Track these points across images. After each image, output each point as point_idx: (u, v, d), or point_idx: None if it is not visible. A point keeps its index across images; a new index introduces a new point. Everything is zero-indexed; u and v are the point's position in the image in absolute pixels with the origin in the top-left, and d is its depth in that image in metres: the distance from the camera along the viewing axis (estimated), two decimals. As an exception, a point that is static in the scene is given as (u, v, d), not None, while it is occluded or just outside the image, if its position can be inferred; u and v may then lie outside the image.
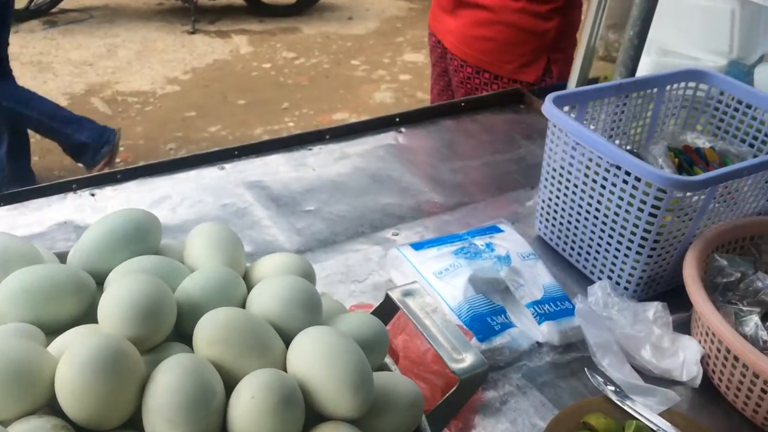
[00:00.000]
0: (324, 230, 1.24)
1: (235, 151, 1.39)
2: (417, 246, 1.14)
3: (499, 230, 1.21)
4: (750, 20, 1.35)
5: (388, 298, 0.73)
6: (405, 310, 0.70)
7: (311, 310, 0.61)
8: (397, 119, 1.60)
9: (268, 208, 1.28)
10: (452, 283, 1.05)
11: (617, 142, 1.37)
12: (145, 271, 0.61)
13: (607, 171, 1.09)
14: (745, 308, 1.02)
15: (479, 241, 1.16)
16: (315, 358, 0.55)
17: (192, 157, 1.36)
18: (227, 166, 1.38)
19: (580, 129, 1.11)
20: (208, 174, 1.35)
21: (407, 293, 0.73)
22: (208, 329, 0.56)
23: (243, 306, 0.63)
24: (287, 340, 0.59)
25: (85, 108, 3.79)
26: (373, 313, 0.73)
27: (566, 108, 1.22)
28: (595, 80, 1.68)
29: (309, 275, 0.68)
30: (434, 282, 1.06)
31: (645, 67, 1.51)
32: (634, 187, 1.05)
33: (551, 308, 1.07)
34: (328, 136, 1.50)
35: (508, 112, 1.71)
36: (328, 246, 1.20)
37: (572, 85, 1.62)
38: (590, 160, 1.11)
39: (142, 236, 0.66)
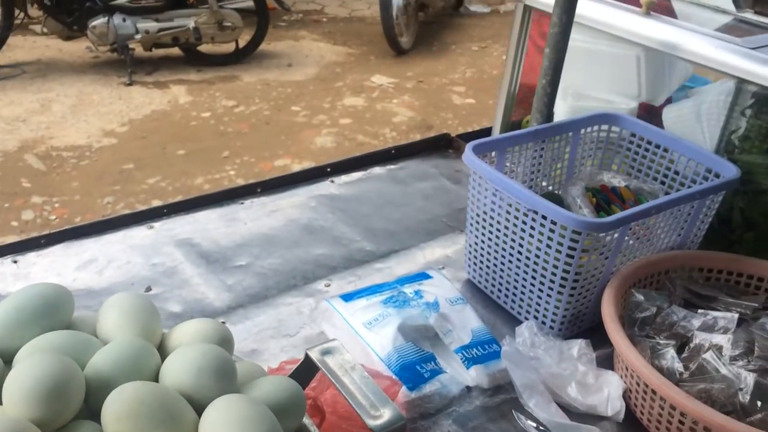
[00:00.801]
0: (255, 285, 1.24)
1: (164, 210, 1.39)
2: (347, 297, 1.15)
3: (427, 277, 1.24)
4: (655, 65, 1.43)
5: (307, 357, 0.74)
6: (324, 369, 0.71)
7: (224, 378, 0.61)
8: (329, 169, 1.63)
9: (198, 265, 1.27)
10: (381, 333, 1.07)
11: (543, 182, 1.42)
12: (55, 348, 0.61)
13: (526, 215, 1.13)
14: (662, 341, 1.06)
15: (408, 289, 1.18)
16: (226, 429, 0.55)
17: (119, 217, 1.35)
18: (156, 224, 1.37)
19: (499, 176, 1.16)
20: (137, 234, 1.34)
21: (326, 351, 0.74)
22: (116, 405, 0.56)
23: (156, 377, 0.63)
24: (200, 409, 0.59)
25: (18, 165, 3.71)
26: (294, 372, 0.73)
27: (487, 155, 1.27)
28: (519, 123, 1.74)
29: (226, 341, 0.69)
30: (364, 333, 1.07)
31: (563, 111, 1.58)
32: (551, 230, 1.09)
33: (479, 352, 1.09)
34: (259, 190, 1.51)
35: (437, 158, 1.76)
36: (260, 301, 1.20)
37: (496, 129, 1.68)
38: (510, 205, 1.15)
39: (51, 311, 0.65)
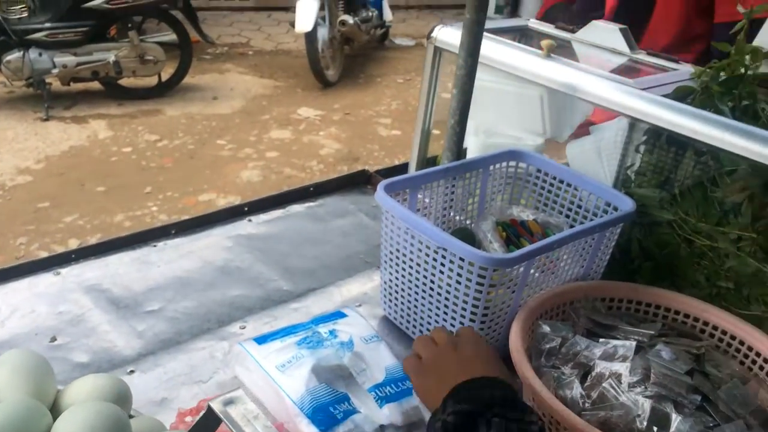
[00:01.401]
0: (167, 330, 1.22)
1: (72, 255, 1.35)
2: (260, 339, 1.14)
3: (343, 315, 1.24)
4: (557, 104, 1.51)
5: (209, 409, 0.73)
6: (226, 421, 0.71)
7: (117, 436, 0.60)
8: (246, 208, 1.62)
9: (107, 312, 1.24)
10: (295, 375, 1.07)
11: (458, 216, 1.46)
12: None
13: (436, 252, 1.16)
14: (567, 371, 1.10)
15: (323, 329, 1.19)
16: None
17: (24, 264, 1.31)
18: (63, 270, 1.33)
19: (409, 215, 1.18)
20: (43, 281, 1.30)
21: (229, 402, 0.74)
22: (-1, 472, 0.54)
23: (47, 438, 0.61)
24: (91, 471, 0.58)
25: (-76, 205, 3.53)
26: (195, 426, 0.73)
27: (400, 193, 1.30)
28: (435, 158, 1.79)
29: (122, 398, 0.68)
30: (277, 376, 1.07)
31: (475, 148, 1.64)
32: (459, 266, 1.12)
33: (393, 389, 1.10)
34: (174, 231, 1.49)
35: (356, 194, 1.78)
36: (172, 347, 1.18)
37: (413, 165, 1.71)
38: (420, 242, 1.18)
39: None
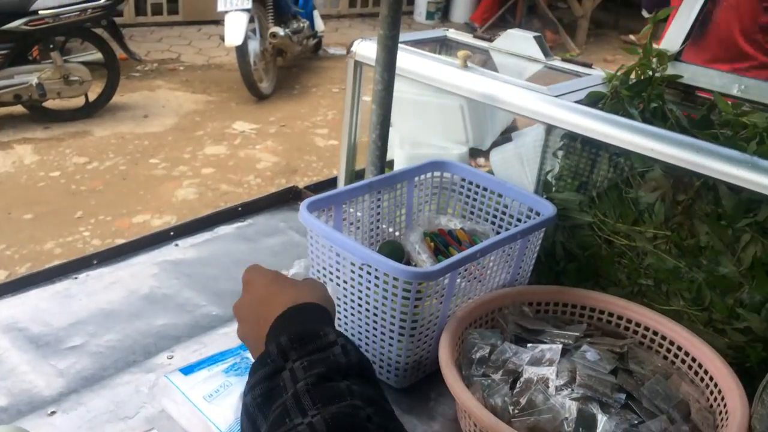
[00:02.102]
0: (90, 366, 1.18)
1: (-14, 293, 1.29)
2: (187, 370, 1.12)
3: None
4: (477, 113, 1.53)
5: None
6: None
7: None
8: (172, 233, 1.59)
9: (25, 351, 1.19)
10: (223, 405, 1.05)
11: (390, 228, 1.46)
12: None
13: (362, 269, 1.16)
14: (497, 379, 1.11)
15: None
16: None
17: (-67, 307, 1.25)
18: (-23, 310, 1.28)
19: (333, 233, 1.18)
20: (-46, 323, 1.24)
21: (142, 442, 0.71)
22: None
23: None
24: None
25: None
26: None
27: (324, 210, 1.29)
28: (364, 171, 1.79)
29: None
30: (204, 407, 1.04)
31: (402, 159, 1.65)
32: (385, 281, 1.12)
33: None
34: (96, 261, 1.45)
35: (286, 211, 1.76)
36: (95, 383, 1.14)
37: (341, 179, 1.71)
38: (345, 260, 1.18)
39: None
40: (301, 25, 5.80)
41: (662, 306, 1.25)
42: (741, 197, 1.12)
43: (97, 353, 1.21)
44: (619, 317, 1.25)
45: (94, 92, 4.97)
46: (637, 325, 1.23)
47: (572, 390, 1.06)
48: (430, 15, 7.84)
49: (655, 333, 1.21)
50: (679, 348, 1.18)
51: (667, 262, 1.22)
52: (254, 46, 5.39)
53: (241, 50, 5.14)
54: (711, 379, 1.11)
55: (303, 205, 1.23)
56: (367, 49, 1.52)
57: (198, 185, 4.30)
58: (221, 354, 1.16)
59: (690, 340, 1.16)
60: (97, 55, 4.84)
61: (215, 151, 4.77)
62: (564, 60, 1.55)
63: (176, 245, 1.57)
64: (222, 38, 5.19)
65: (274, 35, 5.34)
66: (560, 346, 1.14)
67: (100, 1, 4.56)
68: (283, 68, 6.20)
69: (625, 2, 7.97)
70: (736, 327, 1.17)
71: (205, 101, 5.62)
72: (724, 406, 1.06)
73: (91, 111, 4.99)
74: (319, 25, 6.28)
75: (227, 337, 1.30)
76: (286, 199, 1.80)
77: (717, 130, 1.22)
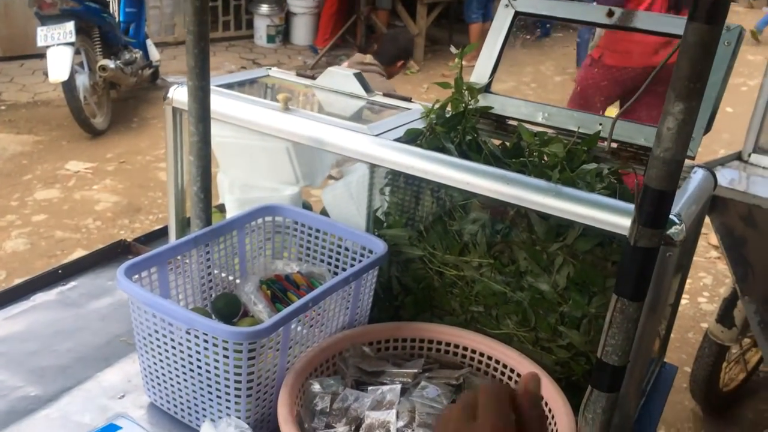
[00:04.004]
0: None
1: None
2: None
3: (116, 428, 1.13)
4: (304, 153, 1.52)
5: None
6: None
7: None
8: (-20, 307, 1.44)
9: None
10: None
11: (231, 277, 1.41)
12: None
13: (189, 333, 1.10)
14: (340, 429, 1.10)
15: None
16: None
17: None
18: None
19: (153, 299, 1.11)
20: None
21: None
22: None
23: None
24: None
25: None
26: None
27: (148, 271, 1.22)
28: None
29: None
30: None
31: (233, 205, 1.60)
32: (214, 344, 1.08)
33: None
34: None
35: (114, 268, 1.64)
36: None
37: (172, 231, 1.63)
38: (170, 324, 1.12)
39: None
40: (134, 55, 5.54)
41: (494, 330, 1.30)
42: (550, 223, 1.19)
43: None
44: (456, 346, 1.28)
45: None
46: (473, 351, 1.27)
47: (413, 430, 1.07)
48: (270, 38, 7.78)
49: (489, 357, 1.26)
50: (512, 370, 1.23)
51: (494, 288, 1.27)
52: (83, 80, 5.08)
53: (69, 85, 4.82)
54: (542, 398, 1.16)
55: (120, 270, 1.15)
56: (184, 95, 1.46)
57: (29, 234, 3.97)
58: None
59: (520, 362, 1.22)
60: None
61: (47, 196, 4.43)
62: (385, 95, 1.58)
63: (-13, 321, 1.42)
64: (46, 74, 4.84)
65: (103, 68, 5.05)
66: (399, 386, 1.15)
67: None
68: (119, 101, 5.89)
69: (457, 18, 8.37)
70: (560, 344, 1.24)
71: (33, 141, 5.21)
72: (555, 424, 1.11)
73: None
74: (154, 54, 6.04)
75: (50, 419, 1.19)
76: (115, 254, 1.69)
77: (526, 158, 1.29)
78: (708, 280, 3.92)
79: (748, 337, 2.58)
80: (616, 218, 1.09)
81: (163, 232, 1.78)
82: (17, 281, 1.61)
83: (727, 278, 3.89)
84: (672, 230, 1.05)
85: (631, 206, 1.09)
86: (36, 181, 4.59)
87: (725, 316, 2.43)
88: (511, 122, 1.46)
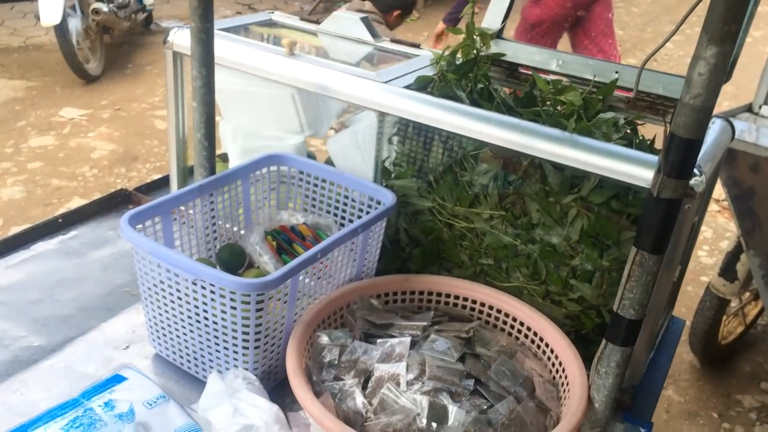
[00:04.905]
0: None
1: None
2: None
3: (122, 379, 1.10)
4: (310, 101, 1.47)
5: None
6: None
7: None
8: (-21, 256, 1.41)
9: None
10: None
11: (235, 228, 1.38)
12: None
13: (194, 284, 1.08)
14: (348, 381, 1.09)
15: (97, 402, 1.03)
16: None
17: None
18: None
19: (158, 249, 1.08)
20: None
21: None
22: None
23: None
24: None
25: None
26: None
27: (151, 221, 1.19)
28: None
29: None
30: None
31: (236, 154, 1.56)
32: (221, 295, 1.05)
33: None
34: None
35: (115, 217, 1.62)
36: None
37: (173, 180, 1.59)
38: (176, 275, 1.09)
39: None
40: (127, -1, 5.39)
41: (503, 283, 1.28)
42: (565, 174, 1.16)
43: None
44: (465, 299, 1.26)
45: None
46: (482, 305, 1.25)
47: (423, 383, 1.06)
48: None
49: (499, 311, 1.24)
50: (522, 323, 1.21)
51: (504, 241, 1.25)
52: (76, 23, 4.94)
53: (61, 29, 4.69)
54: (552, 351, 1.15)
55: (123, 219, 1.12)
56: (184, 38, 1.40)
57: (25, 182, 3.92)
58: (60, 407, 1.03)
59: (530, 315, 1.20)
60: None
61: (42, 143, 4.36)
62: (392, 41, 1.52)
63: (-13, 269, 1.39)
64: (38, 17, 4.71)
65: (96, 11, 4.92)
66: (409, 339, 1.13)
67: None
68: (112, 46, 5.75)
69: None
70: (571, 297, 1.23)
71: (26, 87, 5.11)
72: (566, 377, 1.10)
73: None
74: (148, -3, 5.88)
75: (54, 369, 1.17)
76: (115, 203, 1.66)
77: (540, 107, 1.25)
78: (708, 233, 3.91)
79: (749, 291, 2.59)
80: (634, 169, 1.05)
81: (164, 182, 1.74)
82: (14, 229, 1.58)
83: (727, 232, 3.89)
84: (692, 181, 1.02)
85: (650, 156, 1.06)
86: (30, 127, 4.52)
87: (728, 270, 2.42)
88: (523, 70, 1.41)
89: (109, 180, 4.04)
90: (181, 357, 1.19)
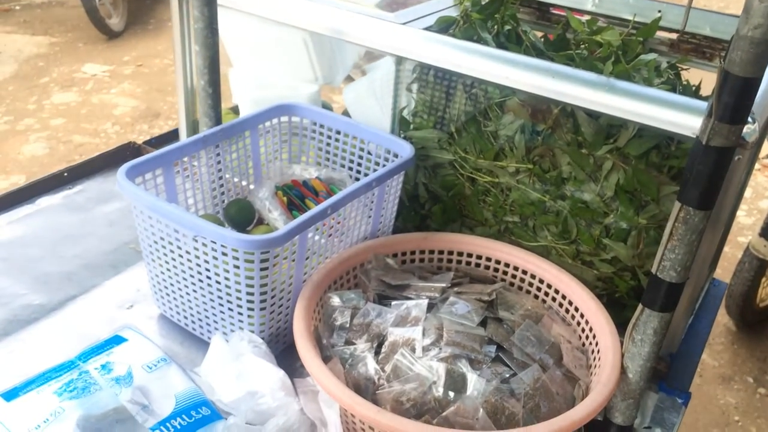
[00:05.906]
0: None
1: None
2: (9, 395, 0.92)
3: (121, 340, 1.04)
4: (323, 47, 1.37)
5: None
6: None
7: None
8: (-18, 210, 1.36)
9: None
10: (52, 438, 0.88)
11: (243, 182, 1.31)
12: None
13: (196, 240, 1.00)
14: (360, 346, 1.01)
15: (93, 365, 0.97)
16: None
17: None
18: None
19: (156, 203, 1.01)
20: None
21: None
22: None
23: None
24: None
25: None
26: None
27: (152, 173, 1.12)
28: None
29: None
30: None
31: (247, 103, 1.47)
32: (223, 253, 0.98)
33: (184, 421, 0.93)
34: None
35: (123, 172, 1.55)
36: None
37: (182, 131, 1.52)
38: (177, 231, 1.02)
39: None
40: (149, -49, 5.28)
41: (530, 242, 1.19)
42: (600, 123, 1.05)
43: None
44: (488, 258, 1.17)
45: None
46: (506, 265, 1.16)
47: (440, 349, 0.98)
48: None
49: (525, 272, 1.15)
50: (549, 285, 1.12)
51: (531, 197, 1.15)
52: (97, -22, 4.86)
53: (82, -17, 4.62)
54: (582, 316, 1.07)
55: (121, 171, 1.05)
56: (189, -22, 1.30)
57: (48, 139, 3.90)
58: (54, 369, 0.97)
59: (559, 277, 1.11)
60: None
61: (65, 99, 4.33)
62: (414, -20, 1.40)
63: (-11, 224, 1.34)
64: (57, -29, 4.64)
65: (117, -35, 4.83)
66: (426, 301, 1.05)
67: None
68: (135, 1, 5.66)
69: None
70: (604, 258, 1.13)
71: (49, 44, 5.06)
72: (596, 344, 1.01)
73: None
74: (170, -50, 5.75)
75: (54, 330, 1.12)
76: (124, 157, 1.59)
77: (573, 50, 1.14)
78: (747, 192, 3.74)
79: (791, 253, 2.46)
80: (679, 116, 0.94)
81: (175, 135, 1.66)
82: (24, 185, 1.52)
83: (767, 191, 3.73)
84: (744, 130, 0.91)
85: (698, 102, 0.94)
86: (53, 84, 4.48)
87: (769, 230, 2.30)
88: (555, 11, 1.29)
89: (131, 137, 3.99)
90: (186, 318, 1.13)
